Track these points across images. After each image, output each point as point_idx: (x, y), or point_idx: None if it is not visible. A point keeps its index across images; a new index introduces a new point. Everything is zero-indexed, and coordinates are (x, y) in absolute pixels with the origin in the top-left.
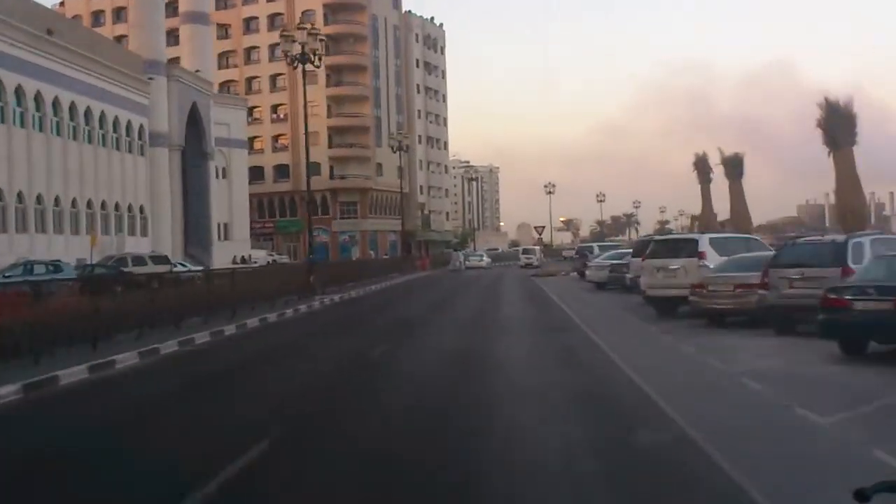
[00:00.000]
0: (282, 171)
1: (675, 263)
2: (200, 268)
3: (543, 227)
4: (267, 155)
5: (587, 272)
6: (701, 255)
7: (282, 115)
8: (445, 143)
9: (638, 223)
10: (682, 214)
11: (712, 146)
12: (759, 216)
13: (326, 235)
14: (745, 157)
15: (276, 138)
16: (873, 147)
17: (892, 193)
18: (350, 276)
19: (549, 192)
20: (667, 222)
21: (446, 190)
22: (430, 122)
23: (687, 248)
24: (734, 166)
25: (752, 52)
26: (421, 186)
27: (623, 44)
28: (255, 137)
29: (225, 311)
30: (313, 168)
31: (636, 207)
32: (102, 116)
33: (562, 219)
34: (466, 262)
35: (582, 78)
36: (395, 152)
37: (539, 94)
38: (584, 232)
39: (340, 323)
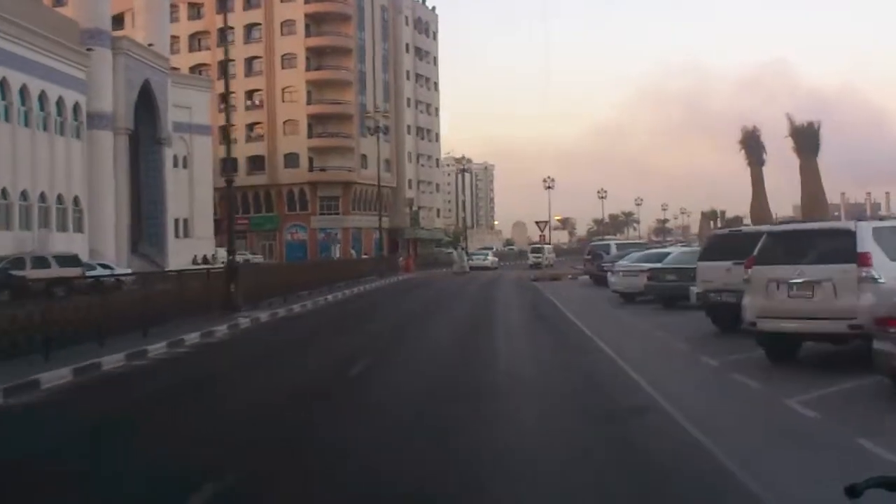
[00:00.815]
0: (256, 162)
1: (815, 273)
2: (128, 271)
3: (546, 222)
4: (240, 145)
5: (612, 278)
6: (863, 260)
7: (257, 102)
8: (437, 135)
9: (637, 222)
10: (683, 213)
11: (708, 145)
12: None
13: (304, 233)
14: (820, 127)
15: (250, 127)
16: (869, 147)
17: (887, 194)
18: (300, 282)
19: (549, 188)
20: (666, 221)
21: (437, 185)
22: (421, 111)
23: (833, 244)
24: (807, 138)
25: (747, 52)
26: (410, 180)
27: (620, 44)
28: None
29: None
30: (291, 159)
31: (638, 204)
32: (24, 90)
33: (557, 217)
34: (470, 262)
35: (577, 77)
36: (371, 134)
37: (534, 93)
38: (581, 231)
39: (206, 380)
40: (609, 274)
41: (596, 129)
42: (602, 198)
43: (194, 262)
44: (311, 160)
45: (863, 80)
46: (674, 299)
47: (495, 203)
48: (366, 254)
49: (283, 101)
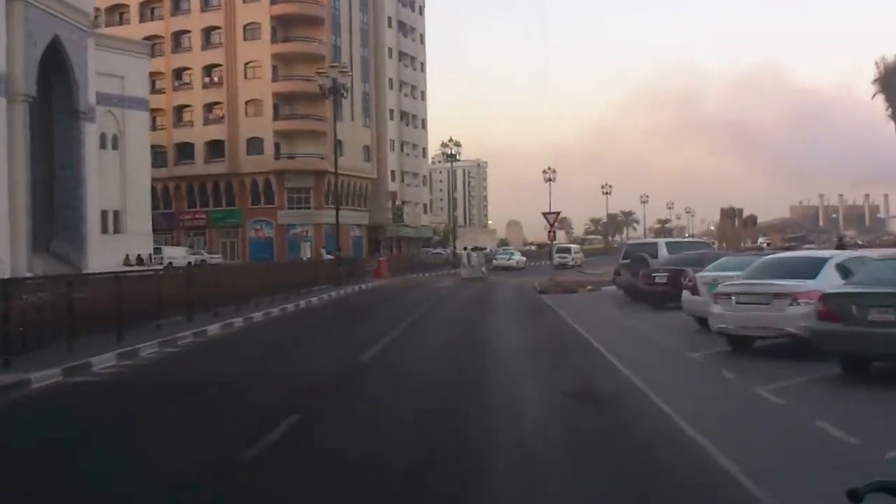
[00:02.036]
0: (215, 148)
1: None
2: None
3: (558, 213)
4: (197, 128)
5: (716, 308)
6: None
7: (216, 79)
8: (424, 122)
9: (637, 222)
10: (688, 212)
11: (700, 146)
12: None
13: (271, 230)
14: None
15: (208, 107)
16: (867, 148)
17: (886, 196)
18: (207, 297)
19: (549, 180)
20: (667, 221)
21: (424, 177)
22: (405, 94)
23: None
24: None
25: (741, 53)
26: (393, 171)
27: (616, 42)
28: (183, 107)
29: None
30: (254, 145)
31: (644, 202)
32: None
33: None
34: (494, 262)
35: (571, 76)
36: (326, 96)
37: (527, 92)
38: (578, 231)
39: None
40: (706, 299)
41: (591, 129)
42: (606, 193)
43: (126, 262)
44: (277, 146)
45: (854, 80)
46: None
47: (488, 202)
48: (331, 253)
49: (246, 78)
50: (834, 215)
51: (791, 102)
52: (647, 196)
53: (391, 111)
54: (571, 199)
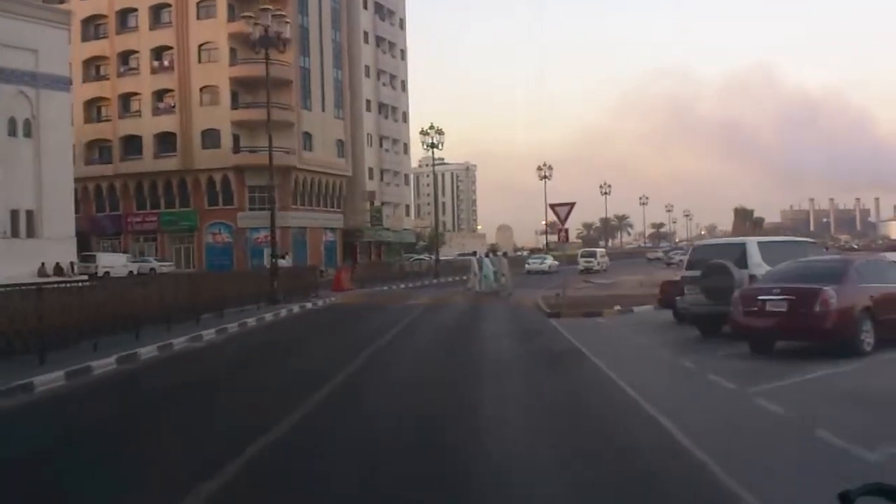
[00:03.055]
0: (166, 141)
1: None
2: None
3: (572, 204)
4: (145, 119)
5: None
6: None
7: (166, 62)
8: (405, 114)
9: (630, 226)
10: (687, 216)
11: (691, 151)
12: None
13: (229, 234)
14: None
15: (158, 95)
16: (857, 151)
17: (877, 200)
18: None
19: (545, 178)
20: (661, 225)
21: (406, 175)
22: (384, 83)
23: None
24: None
25: (731, 58)
26: (370, 169)
27: (607, 48)
28: (130, 95)
29: None
30: (210, 137)
31: (643, 204)
32: None
33: (543, 222)
34: (527, 266)
35: (564, 80)
36: (256, 51)
37: (518, 96)
38: (571, 236)
39: None
40: None
41: (581, 134)
42: (605, 193)
43: (40, 273)
44: (236, 138)
45: (845, 84)
46: None
47: (478, 206)
48: (276, 260)
49: (200, 62)
50: (825, 219)
51: (782, 107)
52: (647, 197)
53: (368, 102)
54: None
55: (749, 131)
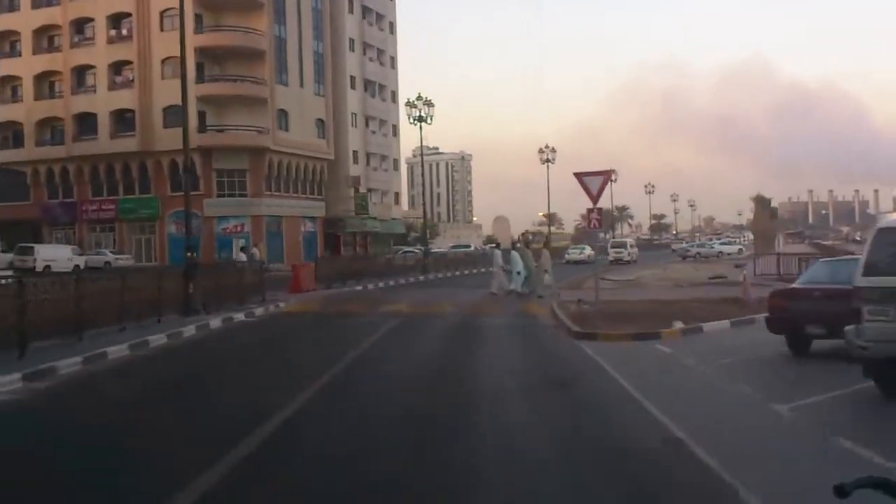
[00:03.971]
0: (124, 119)
1: None
2: None
3: (609, 171)
4: (101, 94)
5: None
6: None
7: (124, 31)
8: (394, 94)
9: (631, 217)
10: (692, 206)
11: (688, 143)
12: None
13: (196, 223)
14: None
15: (115, 67)
16: (855, 143)
17: (876, 191)
18: None
19: (548, 161)
20: (663, 216)
21: (395, 161)
22: (370, 58)
23: None
24: None
25: (728, 49)
26: (355, 152)
27: (604, 41)
28: (85, 68)
29: None
30: (173, 115)
31: (650, 192)
32: None
33: (542, 214)
34: (566, 256)
35: (561, 72)
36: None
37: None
38: (568, 228)
39: None
40: None
41: (577, 126)
42: (613, 181)
43: None
44: (202, 116)
45: (842, 76)
46: None
47: (473, 196)
48: (192, 256)
49: (162, 30)
50: (824, 211)
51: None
52: (653, 186)
53: (352, 78)
54: (560, 197)
55: (747, 123)
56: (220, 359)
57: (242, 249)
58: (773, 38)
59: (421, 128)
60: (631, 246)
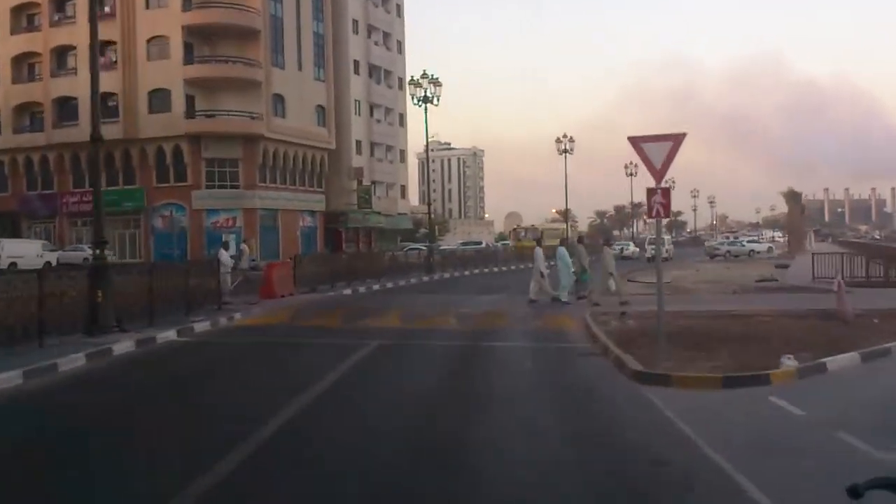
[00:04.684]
0: (107, 105)
1: None
2: None
3: (680, 135)
4: (83, 77)
5: None
6: None
7: (107, 9)
8: (401, 81)
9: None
10: (711, 202)
11: (702, 141)
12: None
13: (184, 216)
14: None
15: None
16: (873, 141)
17: (893, 189)
18: None
19: (566, 152)
20: (679, 213)
21: (402, 152)
22: (376, 41)
23: None
24: None
25: (742, 46)
26: (359, 142)
27: (608, 40)
28: (66, 49)
29: None
30: (159, 99)
31: (669, 188)
32: None
33: (554, 210)
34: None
35: (573, 68)
36: None
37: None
38: (582, 226)
39: None
40: None
41: (589, 123)
42: (631, 174)
43: None
44: (190, 100)
45: (860, 74)
46: None
47: (485, 192)
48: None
49: (148, 7)
50: (840, 209)
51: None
52: (674, 181)
53: (356, 63)
54: (572, 194)
55: (760, 120)
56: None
57: (224, 246)
58: (788, 34)
59: (426, 109)
60: (668, 243)
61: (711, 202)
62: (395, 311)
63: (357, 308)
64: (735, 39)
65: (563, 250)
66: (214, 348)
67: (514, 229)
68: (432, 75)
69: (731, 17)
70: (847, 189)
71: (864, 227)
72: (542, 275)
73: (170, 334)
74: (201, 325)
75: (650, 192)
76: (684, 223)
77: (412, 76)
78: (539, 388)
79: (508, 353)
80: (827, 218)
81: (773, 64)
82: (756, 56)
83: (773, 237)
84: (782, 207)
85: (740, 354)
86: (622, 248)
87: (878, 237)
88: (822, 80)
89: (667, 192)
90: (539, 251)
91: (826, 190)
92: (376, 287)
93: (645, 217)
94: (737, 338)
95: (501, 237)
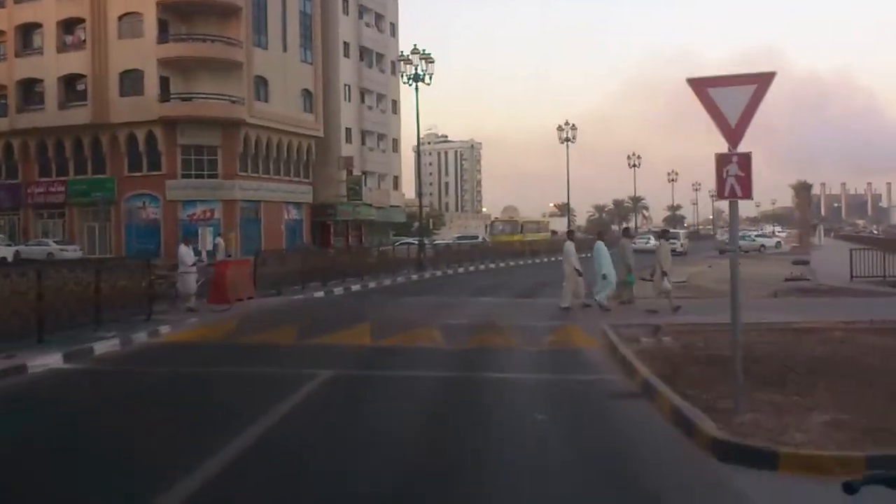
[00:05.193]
0: (74, 87)
1: None
2: None
3: (767, 74)
4: (49, 58)
5: None
6: None
7: None
8: (394, 65)
9: (646, 209)
10: (712, 196)
11: (698, 134)
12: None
13: (157, 208)
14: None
15: (65, 25)
16: (869, 136)
17: (889, 184)
18: None
19: (567, 140)
20: (678, 207)
21: (395, 140)
22: (367, 23)
23: None
24: None
25: (740, 40)
26: (348, 129)
27: (609, 33)
28: (31, 27)
29: None
30: (131, 81)
31: (672, 180)
32: None
33: (552, 204)
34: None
35: (572, 62)
36: None
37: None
38: (581, 220)
39: None
40: None
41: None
42: (634, 166)
43: None
44: (164, 82)
45: (856, 68)
46: None
47: (482, 186)
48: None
49: None
50: (836, 204)
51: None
52: (676, 173)
53: (346, 45)
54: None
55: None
56: None
57: (184, 241)
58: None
59: (417, 89)
60: (683, 237)
61: (712, 196)
62: (368, 321)
63: (321, 317)
64: (734, 33)
65: (601, 245)
66: (101, 384)
67: (492, 222)
68: (423, 50)
69: (731, 12)
70: (843, 184)
71: (861, 222)
72: (578, 273)
73: (53, 360)
74: (106, 345)
75: (721, 160)
76: (683, 217)
77: (402, 52)
78: (560, 474)
79: (512, 393)
80: (823, 212)
81: (775, 58)
82: (757, 50)
83: (773, 232)
84: (784, 202)
85: (851, 396)
86: (646, 242)
87: (875, 232)
88: (821, 76)
89: (746, 161)
90: (570, 246)
91: (823, 185)
92: (356, 287)
93: (644, 213)
94: (827, 366)
95: (538, 226)
